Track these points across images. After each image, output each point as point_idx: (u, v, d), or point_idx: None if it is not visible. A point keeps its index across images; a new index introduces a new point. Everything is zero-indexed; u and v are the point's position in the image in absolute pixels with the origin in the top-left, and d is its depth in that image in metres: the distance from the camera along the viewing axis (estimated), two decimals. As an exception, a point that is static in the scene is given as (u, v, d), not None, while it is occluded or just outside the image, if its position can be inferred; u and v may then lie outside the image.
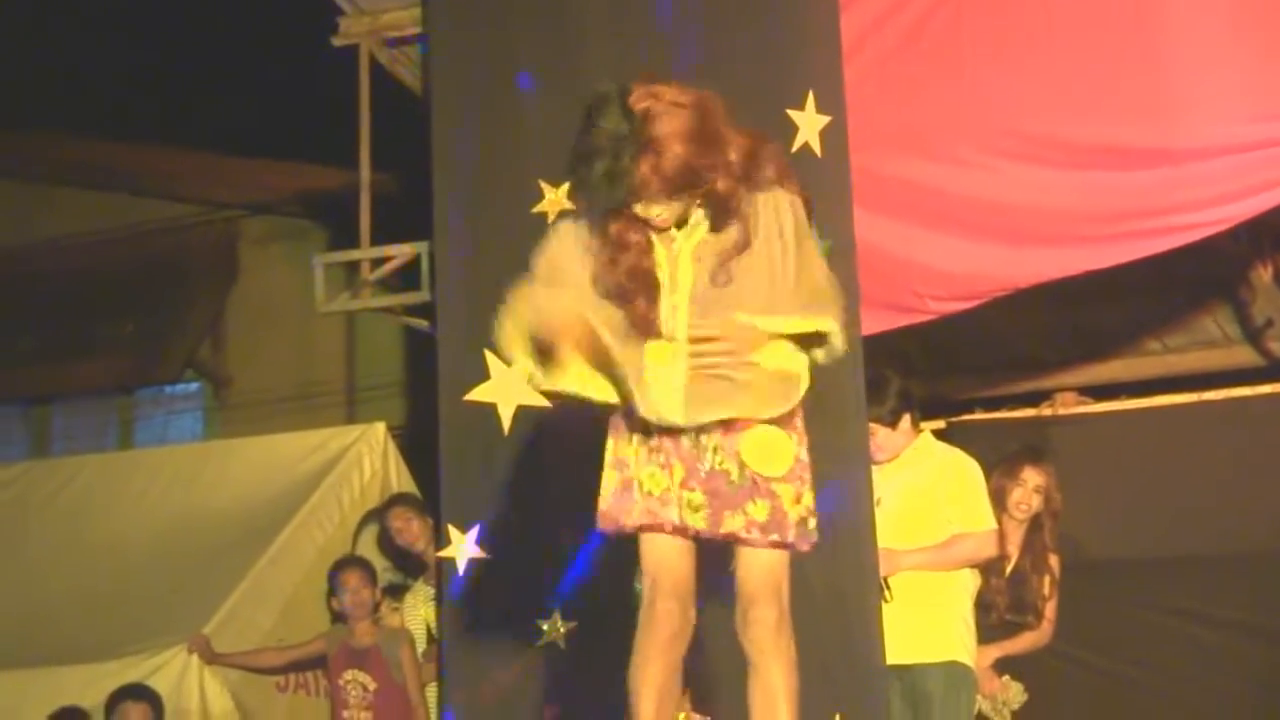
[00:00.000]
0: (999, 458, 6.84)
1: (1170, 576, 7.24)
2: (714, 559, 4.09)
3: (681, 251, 4.02)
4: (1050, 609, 6.75)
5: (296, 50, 8.51)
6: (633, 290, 3.99)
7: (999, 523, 6.55)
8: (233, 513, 8.46)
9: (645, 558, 4.02)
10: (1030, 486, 6.76)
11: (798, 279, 3.98)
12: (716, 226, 4.00)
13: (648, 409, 3.95)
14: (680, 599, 3.98)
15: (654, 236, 4.03)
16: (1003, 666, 6.69)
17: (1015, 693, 6.66)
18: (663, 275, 4.01)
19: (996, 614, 6.68)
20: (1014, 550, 6.74)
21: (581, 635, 6.18)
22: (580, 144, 3.86)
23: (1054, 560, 6.78)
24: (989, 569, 6.62)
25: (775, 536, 3.97)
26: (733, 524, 3.96)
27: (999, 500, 6.67)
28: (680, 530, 4.00)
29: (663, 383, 3.96)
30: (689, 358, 3.97)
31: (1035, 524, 6.79)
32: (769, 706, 3.96)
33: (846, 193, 6.26)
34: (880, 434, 6.31)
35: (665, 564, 3.99)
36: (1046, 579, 6.75)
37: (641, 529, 4.02)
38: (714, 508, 3.97)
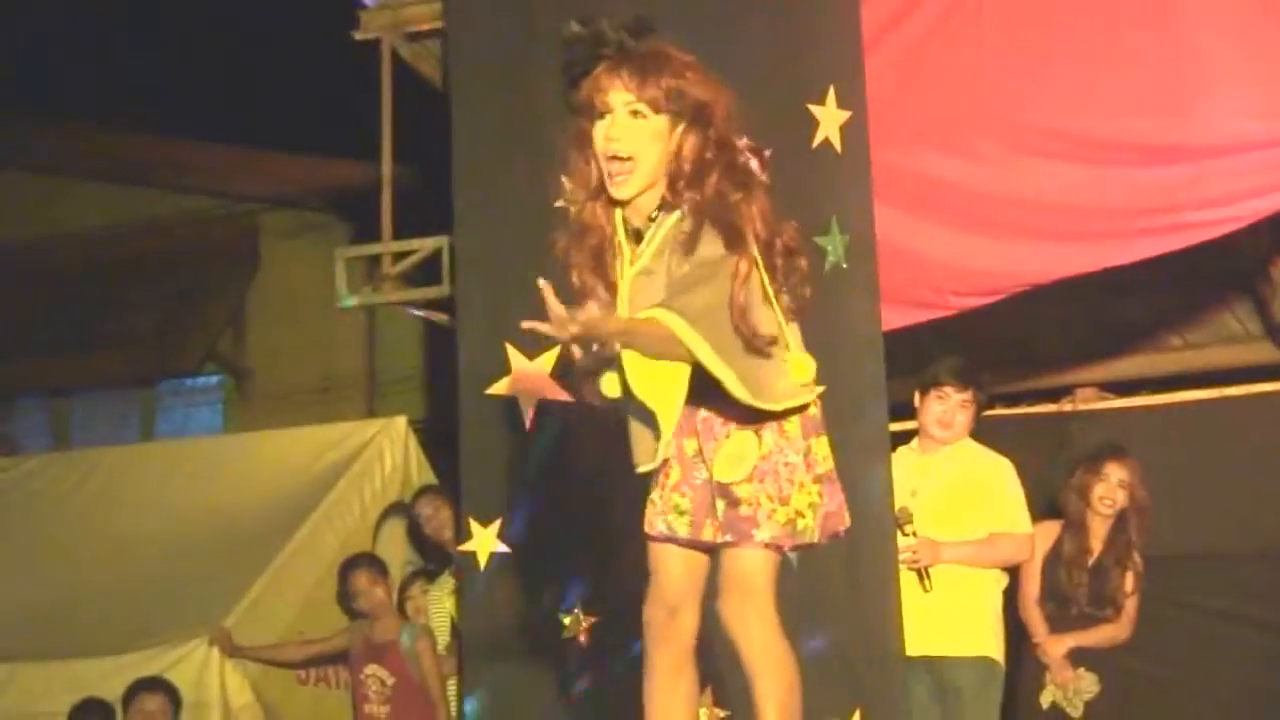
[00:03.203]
0: (1080, 453, 6.88)
1: (1191, 573, 7.24)
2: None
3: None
4: (1131, 605, 6.72)
5: (319, 44, 8.53)
6: (592, 285, 3.93)
7: (1083, 517, 6.61)
8: (253, 506, 8.48)
9: (650, 562, 3.96)
10: (1114, 481, 6.75)
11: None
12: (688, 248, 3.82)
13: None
14: (669, 606, 3.91)
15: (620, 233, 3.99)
16: (1077, 658, 6.68)
17: (1088, 683, 6.64)
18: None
19: (1076, 607, 6.68)
20: (1097, 544, 6.74)
21: (603, 630, 6.19)
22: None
23: (1138, 557, 6.75)
24: (1071, 562, 6.64)
25: (728, 537, 3.85)
26: (707, 532, 3.88)
27: (1082, 495, 6.70)
28: (669, 539, 3.92)
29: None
30: None
31: (1120, 519, 6.78)
32: (756, 702, 3.93)
33: (867, 188, 6.26)
34: (958, 414, 6.35)
35: (660, 569, 3.94)
36: (1129, 575, 6.73)
37: (652, 538, 3.95)
38: (698, 515, 3.88)
